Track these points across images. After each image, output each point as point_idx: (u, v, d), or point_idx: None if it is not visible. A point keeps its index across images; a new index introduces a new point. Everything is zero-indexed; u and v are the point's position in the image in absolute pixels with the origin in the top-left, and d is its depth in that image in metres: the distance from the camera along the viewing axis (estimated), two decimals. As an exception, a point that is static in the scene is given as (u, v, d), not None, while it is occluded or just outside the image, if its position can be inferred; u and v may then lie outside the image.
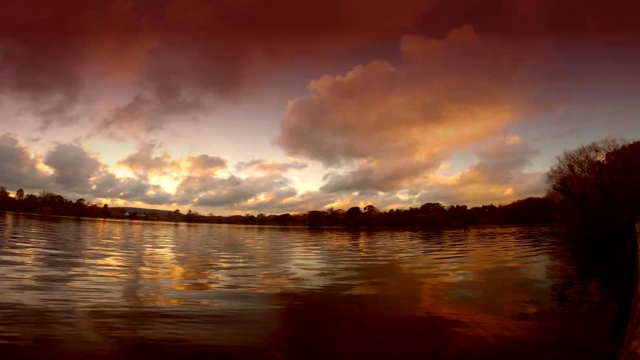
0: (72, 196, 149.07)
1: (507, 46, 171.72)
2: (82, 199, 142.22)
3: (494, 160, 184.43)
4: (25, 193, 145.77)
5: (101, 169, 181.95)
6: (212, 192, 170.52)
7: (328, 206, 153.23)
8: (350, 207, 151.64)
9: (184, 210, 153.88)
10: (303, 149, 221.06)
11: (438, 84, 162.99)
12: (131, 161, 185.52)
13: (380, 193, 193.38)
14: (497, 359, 5.51)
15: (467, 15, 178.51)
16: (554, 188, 50.42)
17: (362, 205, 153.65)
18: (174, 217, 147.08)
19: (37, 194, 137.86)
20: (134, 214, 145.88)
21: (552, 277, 13.52)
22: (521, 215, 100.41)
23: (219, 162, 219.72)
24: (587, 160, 45.22)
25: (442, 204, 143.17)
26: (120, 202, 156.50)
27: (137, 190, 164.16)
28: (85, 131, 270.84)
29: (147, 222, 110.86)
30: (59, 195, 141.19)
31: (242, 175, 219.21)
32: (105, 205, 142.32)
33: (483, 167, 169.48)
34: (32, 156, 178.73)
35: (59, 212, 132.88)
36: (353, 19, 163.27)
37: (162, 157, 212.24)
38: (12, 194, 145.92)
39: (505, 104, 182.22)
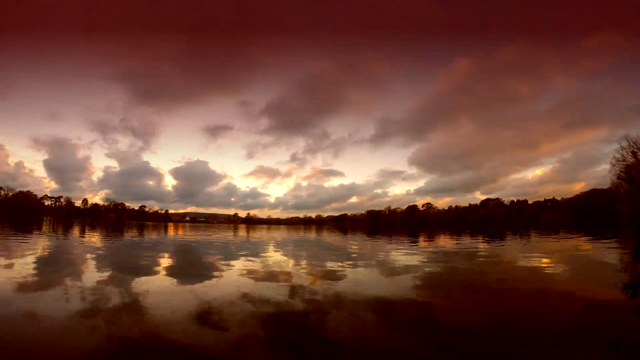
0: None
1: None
2: (143, 206, 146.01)
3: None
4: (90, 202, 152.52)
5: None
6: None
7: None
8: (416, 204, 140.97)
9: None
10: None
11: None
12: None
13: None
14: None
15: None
16: (618, 177, 46.26)
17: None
18: (233, 220, 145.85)
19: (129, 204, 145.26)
20: (194, 218, 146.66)
21: None
22: (585, 209, 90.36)
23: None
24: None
25: (502, 199, 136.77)
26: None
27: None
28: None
29: (208, 224, 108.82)
30: (122, 203, 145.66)
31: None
32: (167, 211, 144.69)
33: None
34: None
35: (122, 219, 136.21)
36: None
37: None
38: (78, 203, 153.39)
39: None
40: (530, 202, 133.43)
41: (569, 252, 15.21)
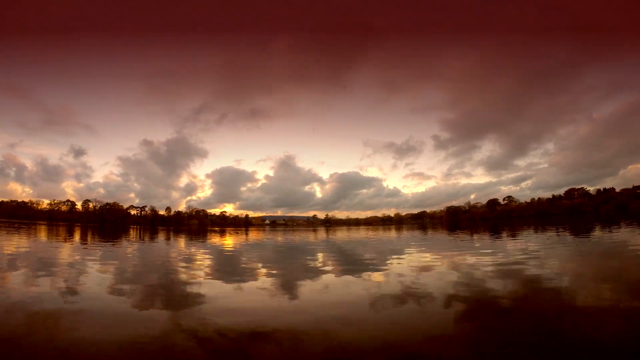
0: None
1: None
2: (224, 211, 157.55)
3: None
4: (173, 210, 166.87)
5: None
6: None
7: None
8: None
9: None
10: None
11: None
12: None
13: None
14: None
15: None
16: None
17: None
18: (312, 222, 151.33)
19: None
20: (273, 222, 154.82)
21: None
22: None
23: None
24: None
25: (588, 188, 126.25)
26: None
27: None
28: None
29: (288, 228, 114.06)
30: (203, 210, 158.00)
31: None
32: (247, 216, 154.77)
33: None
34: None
35: (204, 225, 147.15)
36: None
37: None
38: (162, 212, 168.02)
39: None
40: (617, 190, 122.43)
41: None
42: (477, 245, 19.42)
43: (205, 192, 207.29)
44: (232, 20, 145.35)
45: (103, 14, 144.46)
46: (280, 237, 37.86)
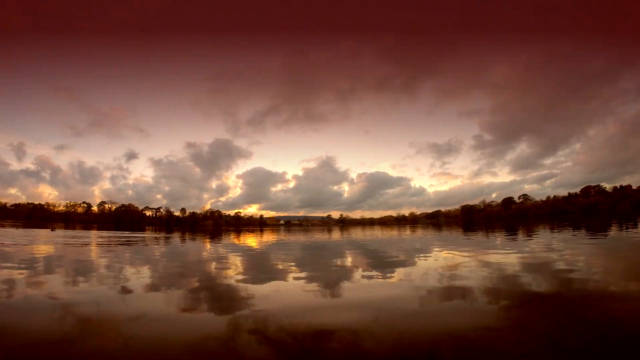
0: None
1: None
2: (239, 212, 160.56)
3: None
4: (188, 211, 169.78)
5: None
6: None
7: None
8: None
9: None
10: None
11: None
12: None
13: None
14: None
15: None
16: None
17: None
18: (326, 222, 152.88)
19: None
20: (288, 222, 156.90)
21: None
22: None
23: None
24: None
25: (605, 185, 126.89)
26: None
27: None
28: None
29: (302, 228, 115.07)
30: (218, 211, 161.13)
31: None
32: (261, 216, 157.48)
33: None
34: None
35: (219, 225, 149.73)
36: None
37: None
38: (177, 213, 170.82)
39: None
40: (634, 187, 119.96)
41: None
42: (498, 243, 20.08)
43: (235, 192, 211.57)
44: (298, 19, 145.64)
45: (163, 16, 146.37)
46: (302, 237, 38.28)
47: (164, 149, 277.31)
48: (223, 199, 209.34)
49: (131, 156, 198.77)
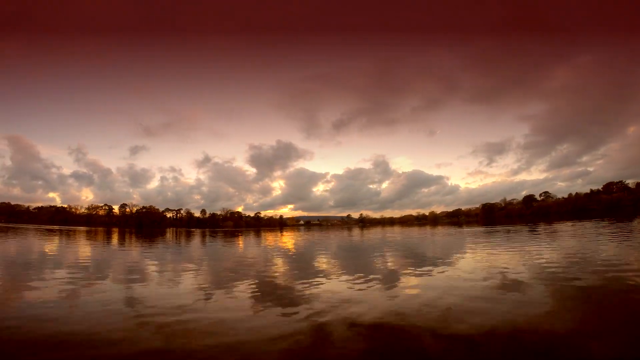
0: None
1: None
2: (259, 213, 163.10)
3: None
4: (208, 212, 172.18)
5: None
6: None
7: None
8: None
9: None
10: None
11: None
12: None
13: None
14: None
15: None
16: None
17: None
18: (346, 222, 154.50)
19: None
20: (308, 222, 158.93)
21: None
22: None
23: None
24: None
25: (627, 182, 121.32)
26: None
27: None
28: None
29: (322, 228, 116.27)
30: (237, 211, 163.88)
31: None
32: (281, 216, 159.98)
33: None
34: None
35: (239, 226, 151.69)
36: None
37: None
38: (197, 214, 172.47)
39: None
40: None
41: None
42: (529, 239, 21.30)
43: (276, 193, 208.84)
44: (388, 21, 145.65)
45: (247, 17, 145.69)
46: (332, 237, 39.39)
47: (229, 152, 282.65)
48: (269, 199, 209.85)
49: (206, 160, 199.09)
